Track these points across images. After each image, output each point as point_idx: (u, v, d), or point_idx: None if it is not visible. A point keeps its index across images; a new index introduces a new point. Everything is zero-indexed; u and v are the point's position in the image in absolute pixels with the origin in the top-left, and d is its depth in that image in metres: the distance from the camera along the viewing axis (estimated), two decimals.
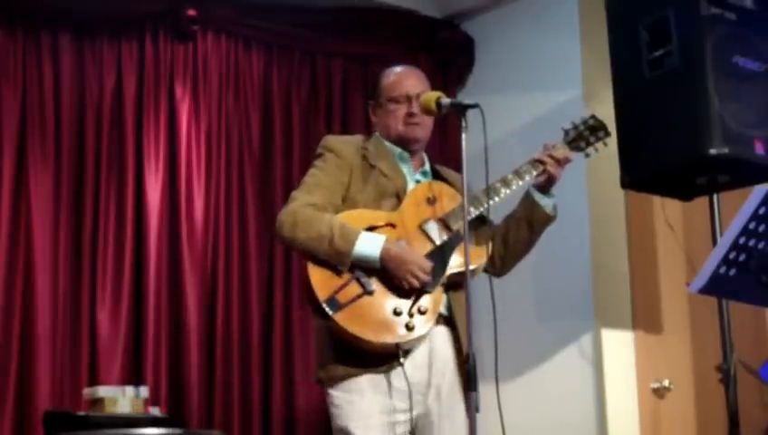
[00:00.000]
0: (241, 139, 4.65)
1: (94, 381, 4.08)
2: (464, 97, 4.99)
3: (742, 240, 2.46)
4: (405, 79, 3.16)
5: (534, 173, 3.07)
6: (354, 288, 2.83)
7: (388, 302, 2.84)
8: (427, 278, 2.86)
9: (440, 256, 2.92)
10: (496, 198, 3.02)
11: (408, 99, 3.10)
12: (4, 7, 4.21)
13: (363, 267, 2.85)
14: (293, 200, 2.97)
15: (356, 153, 3.07)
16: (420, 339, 2.87)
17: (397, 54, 4.53)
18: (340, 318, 2.79)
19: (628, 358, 4.41)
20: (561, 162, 3.08)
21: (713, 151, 3.25)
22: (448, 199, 3.03)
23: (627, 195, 4.39)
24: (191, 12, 4.50)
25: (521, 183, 3.06)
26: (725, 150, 3.25)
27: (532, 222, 3.09)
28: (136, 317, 4.26)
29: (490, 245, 3.04)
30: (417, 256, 2.89)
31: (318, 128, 4.79)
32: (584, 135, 3.22)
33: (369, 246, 2.84)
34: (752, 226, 2.46)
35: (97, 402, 3.75)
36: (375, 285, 2.84)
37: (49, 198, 4.19)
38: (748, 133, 3.33)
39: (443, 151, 4.80)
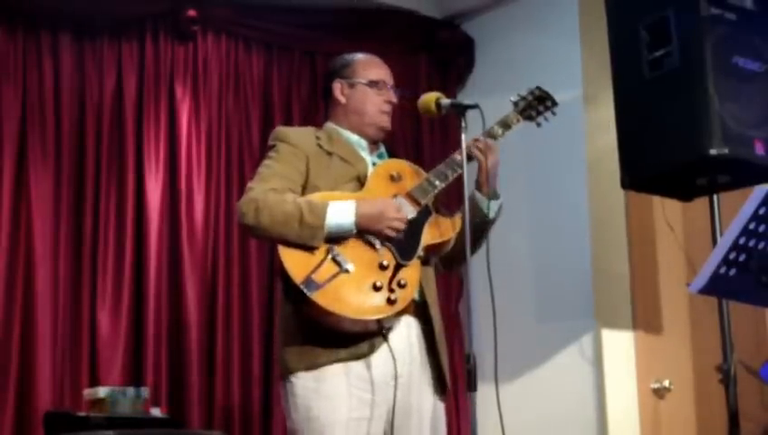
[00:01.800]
0: (241, 139, 4.65)
1: (95, 381, 4.08)
2: (463, 97, 4.99)
3: (742, 240, 2.46)
4: (382, 67, 3.13)
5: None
6: (330, 267, 2.75)
7: (366, 278, 2.77)
8: (403, 220, 2.81)
9: (413, 230, 2.86)
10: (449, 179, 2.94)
11: (387, 86, 3.08)
12: (4, 7, 4.22)
13: (336, 240, 2.78)
14: (251, 190, 2.88)
15: (310, 142, 2.99)
16: (402, 314, 2.82)
17: (397, 54, 4.53)
18: (319, 298, 2.70)
19: (629, 358, 4.41)
20: (483, 150, 2.96)
21: (713, 152, 3.25)
22: (411, 175, 2.99)
23: (627, 195, 4.40)
24: (191, 12, 4.51)
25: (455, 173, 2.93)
26: (725, 151, 3.25)
27: (473, 223, 2.87)
28: (136, 317, 4.26)
29: (459, 216, 2.91)
30: (384, 202, 2.84)
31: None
32: (533, 104, 3.17)
33: (341, 214, 2.78)
34: (752, 226, 2.46)
35: (97, 403, 3.75)
36: (350, 263, 2.76)
37: (49, 198, 4.20)
38: (748, 133, 3.33)
39: (443, 151, 4.81)
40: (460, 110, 2.85)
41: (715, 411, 3.73)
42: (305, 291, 2.70)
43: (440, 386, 2.94)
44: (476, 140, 2.99)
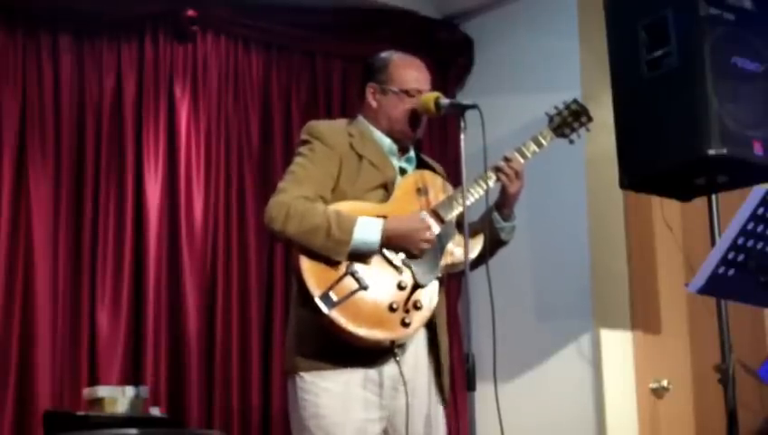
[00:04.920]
0: (240, 139, 4.65)
1: (94, 381, 4.08)
2: (463, 97, 5.00)
3: (740, 240, 2.47)
4: (419, 73, 3.06)
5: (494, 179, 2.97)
6: (349, 283, 2.76)
7: (383, 298, 2.78)
8: (433, 236, 2.82)
9: (434, 251, 2.87)
10: (476, 196, 2.97)
11: (422, 94, 3.00)
12: (4, 7, 4.21)
13: (359, 255, 2.78)
14: (283, 192, 2.84)
15: (344, 142, 2.95)
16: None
17: None
18: (335, 315, 2.71)
19: (627, 358, 4.42)
20: (511, 177, 2.96)
21: (711, 152, 3.26)
22: (437, 190, 2.98)
23: (625, 195, 4.40)
24: (191, 12, 4.51)
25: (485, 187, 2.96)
26: (724, 151, 3.26)
27: (486, 241, 2.96)
28: (136, 317, 4.26)
29: (482, 236, 2.96)
30: (413, 221, 2.84)
31: None
32: (568, 121, 3.16)
33: (368, 231, 2.78)
34: (750, 226, 2.47)
35: (97, 402, 3.75)
36: (369, 281, 2.77)
37: (49, 198, 4.19)
38: (747, 134, 3.34)
39: (443, 151, 4.82)
40: (459, 110, 2.85)
41: (714, 411, 3.73)
42: (322, 307, 2.71)
43: (441, 396, 2.96)
44: (507, 159, 2.98)
